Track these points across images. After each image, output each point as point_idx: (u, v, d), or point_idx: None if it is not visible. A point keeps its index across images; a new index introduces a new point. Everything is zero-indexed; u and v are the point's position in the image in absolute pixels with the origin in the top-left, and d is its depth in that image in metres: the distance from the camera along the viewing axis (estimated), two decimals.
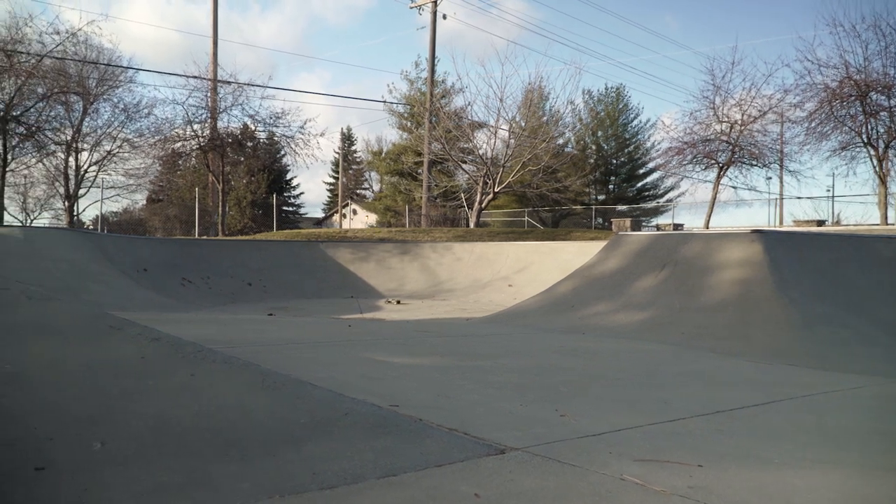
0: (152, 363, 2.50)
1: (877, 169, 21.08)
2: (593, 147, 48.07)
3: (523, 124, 34.67)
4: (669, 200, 45.41)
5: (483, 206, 28.44)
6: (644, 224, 37.17)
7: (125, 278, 12.43)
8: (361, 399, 2.91)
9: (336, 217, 56.44)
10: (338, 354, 4.79)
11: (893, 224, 21.46)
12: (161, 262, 14.72)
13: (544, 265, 16.54)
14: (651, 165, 45.11)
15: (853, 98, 20.40)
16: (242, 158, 31.26)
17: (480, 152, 29.40)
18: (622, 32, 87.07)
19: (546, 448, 2.56)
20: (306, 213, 60.16)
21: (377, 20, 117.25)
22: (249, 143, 29.40)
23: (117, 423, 2.10)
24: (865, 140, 20.86)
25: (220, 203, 26.84)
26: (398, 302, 14.24)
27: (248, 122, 27.46)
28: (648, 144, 47.07)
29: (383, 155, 50.43)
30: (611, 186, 49.16)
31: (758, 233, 8.19)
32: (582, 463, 2.38)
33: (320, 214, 65.39)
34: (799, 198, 48.56)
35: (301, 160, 27.91)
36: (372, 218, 51.81)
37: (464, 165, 32.56)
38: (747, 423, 3.27)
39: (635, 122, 48.73)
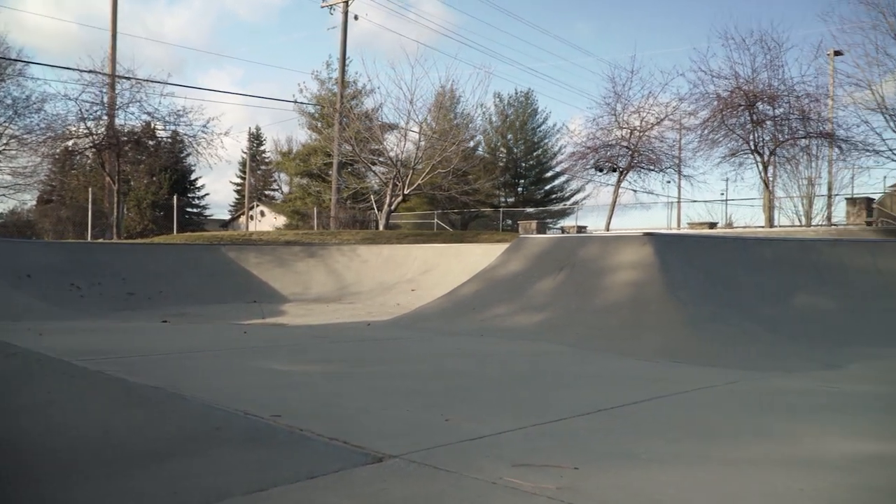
0: (5, 381, 2.34)
1: (762, 175, 22.39)
2: (503, 150, 48.91)
3: (434, 126, 34.87)
4: (575, 203, 46.77)
5: (393, 208, 28.39)
6: (550, 226, 38.07)
7: (2, 285, 11.66)
8: (239, 410, 2.83)
9: (243, 219, 54.98)
10: (226, 363, 4.66)
11: (777, 227, 22.85)
12: (47, 267, 13.89)
13: (451, 267, 16.63)
14: (558, 169, 46.30)
15: (742, 107, 21.59)
16: (143, 157, 29.97)
17: (391, 154, 29.36)
18: (533, 38, 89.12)
19: (425, 454, 2.56)
20: (212, 215, 58.31)
21: (290, 18, 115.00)
22: (151, 142, 28.21)
23: None
24: (752, 147, 22.11)
25: (116, 204, 25.63)
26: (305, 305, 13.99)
27: (148, 120, 26.36)
28: (556, 148, 48.31)
29: (292, 156, 49.54)
30: (520, 189, 50.12)
31: (649, 235, 8.52)
32: (458, 468, 2.39)
33: (227, 216, 63.58)
34: (694, 201, 50.98)
35: (204, 160, 27.00)
36: (280, 220, 50.77)
37: (374, 167, 32.41)
38: (625, 421, 3.39)
39: (543, 126, 49.95)
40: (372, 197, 32.36)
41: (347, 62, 39.21)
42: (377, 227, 29.61)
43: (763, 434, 3.22)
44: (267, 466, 2.26)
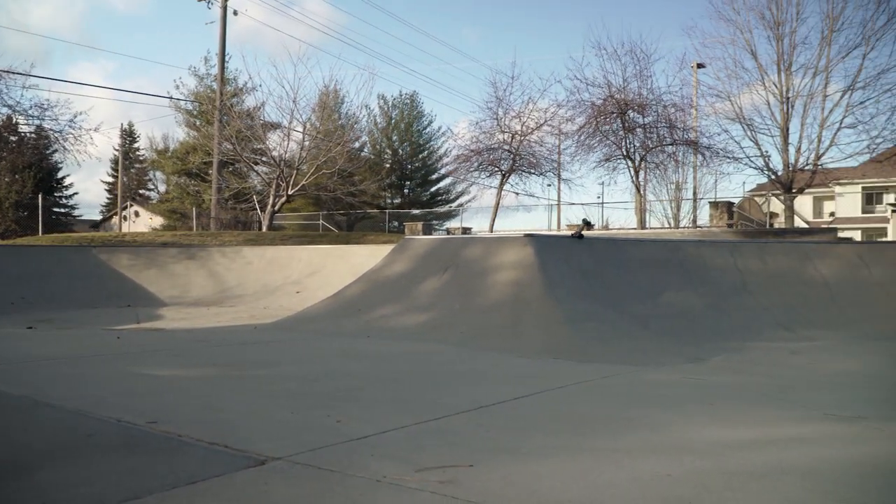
0: None
1: (633, 179, 23.68)
2: (389, 152, 48.95)
3: (318, 126, 34.36)
4: (461, 205, 47.50)
5: (276, 208, 27.76)
6: (436, 227, 38.47)
7: None
8: (112, 418, 2.71)
9: (116, 219, 51.99)
10: (98, 370, 4.42)
11: (648, 229, 24.18)
12: None
13: (337, 269, 16.47)
14: (443, 171, 46.86)
15: (615, 115, 22.72)
16: (4, 154, 27.72)
17: (274, 154, 28.69)
18: (417, 42, 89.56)
19: (310, 455, 2.55)
20: (81, 216, 54.81)
21: (167, 11, 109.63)
22: (13, 138, 26.15)
23: None
24: (624, 153, 23.33)
25: None
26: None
27: (8, 114, 24.42)
28: (441, 151, 48.87)
29: (169, 154, 47.36)
30: (406, 190, 50.32)
31: (529, 237, 8.81)
32: (342, 468, 2.40)
33: (98, 217, 59.91)
34: (572, 204, 53.23)
35: (72, 157, 25.36)
36: (157, 220, 48.40)
37: (256, 167, 31.56)
38: (506, 417, 3.50)
39: (429, 129, 50.41)
40: (255, 197, 31.48)
41: (227, 58, 38.02)
42: (260, 229, 28.84)
43: (634, 425, 3.43)
44: (143, 473, 2.19)
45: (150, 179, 64.88)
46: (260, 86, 49.23)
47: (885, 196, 43.45)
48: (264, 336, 7.48)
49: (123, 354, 5.40)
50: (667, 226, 32.00)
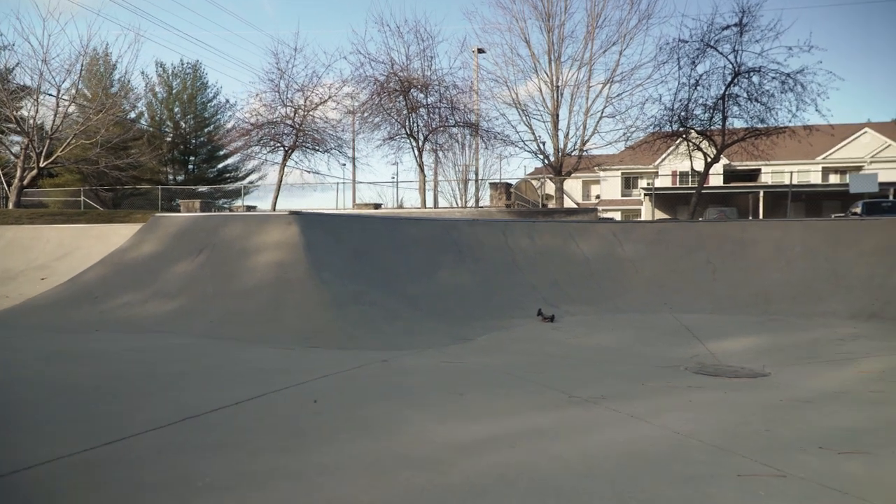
0: None
1: (417, 159, 23.79)
2: (170, 124, 45.24)
3: (84, 92, 30.66)
4: (251, 183, 45.27)
5: (25, 183, 24.29)
6: (223, 206, 36.22)
7: None
8: None
9: None
10: None
11: (437, 208, 24.47)
12: None
13: (93, 251, 14.59)
14: (226, 146, 44.36)
15: (398, 93, 22.60)
16: None
17: (23, 122, 25.05)
18: (193, 4, 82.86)
19: None
20: None
21: None
22: None
23: None
24: (408, 132, 23.33)
25: None
26: None
27: None
28: (229, 125, 46.08)
29: None
30: (190, 167, 46.91)
31: (295, 215, 8.19)
32: None
33: None
34: (361, 182, 53.00)
35: None
36: None
37: (4, 137, 27.44)
38: (211, 431, 2.91)
39: (214, 102, 47.29)
40: None
41: None
42: (7, 206, 25.15)
43: (364, 426, 3.00)
44: None
45: None
46: (11, 46, 43.06)
47: (639, 181, 48.26)
48: None
49: None
50: (455, 205, 32.78)
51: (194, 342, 5.70)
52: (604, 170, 34.56)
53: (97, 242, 15.34)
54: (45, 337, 5.92)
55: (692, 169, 20.13)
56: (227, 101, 49.02)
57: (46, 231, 15.94)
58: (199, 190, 41.70)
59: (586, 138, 25.67)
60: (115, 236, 15.38)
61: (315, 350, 5.62)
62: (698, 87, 18.83)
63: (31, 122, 24.35)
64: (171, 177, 45.45)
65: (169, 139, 43.81)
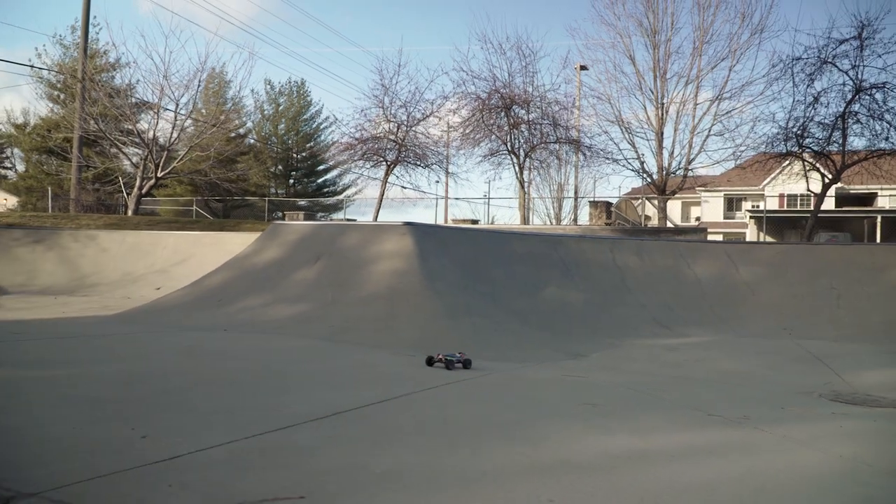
0: None
1: (518, 175, 23.75)
2: (275, 139, 47.14)
3: (200, 107, 32.38)
4: (347, 197, 46.45)
5: (144, 192, 25.80)
6: (320, 219, 37.30)
7: None
8: None
9: None
10: None
11: (533, 225, 24.35)
12: None
13: (207, 257, 15.34)
14: (329, 161, 45.71)
15: (500, 109, 22.69)
16: None
17: (143, 134, 26.67)
18: (301, 24, 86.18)
19: (83, 488, 1.91)
20: None
21: None
22: None
23: None
24: (509, 148, 23.36)
25: None
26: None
27: None
28: (329, 141, 47.57)
29: (29, 129, 43.36)
30: (292, 181, 48.64)
31: (409, 225, 8.31)
32: None
33: None
34: (458, 199, 53.46)
35: None
36: (13, 200, 44.19)
37: (125, 147, 29.29)
38: (365, 426, 2.97)
39: (317, 119, 48.96)
40: (120, 179, 29.19)
41: (97, 29, 35.24)
42: (126, 213, 26.79)
43: (508, 434, 2.98)
44: None
45: (7, 157, 59.42)
46: (132, 62, 45.90)
47: (743, 203, 46.43)
48: (100, 329, 6.56)
49: None
50: (549, 223, 32.52)
51: (318, 345, 5.85)
52: (706, 190, 33.47)
53: (211, 249, 16.09)
54: (175, 335, 6.22)
55: (808, 190, 19.16)
56: (334, 117, 50.59)
57: (165, 237, 16.86)
58: (299, 203, 43.12)
59: (692, 157, 24.98)
60: (227, 244, 16.10)
61: None
62: (815, 105, 17.97)
63: (151, 134, 25.86)
64: (273, 190, 47.20)
65: (273, 154, 45.57)
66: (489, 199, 51.00)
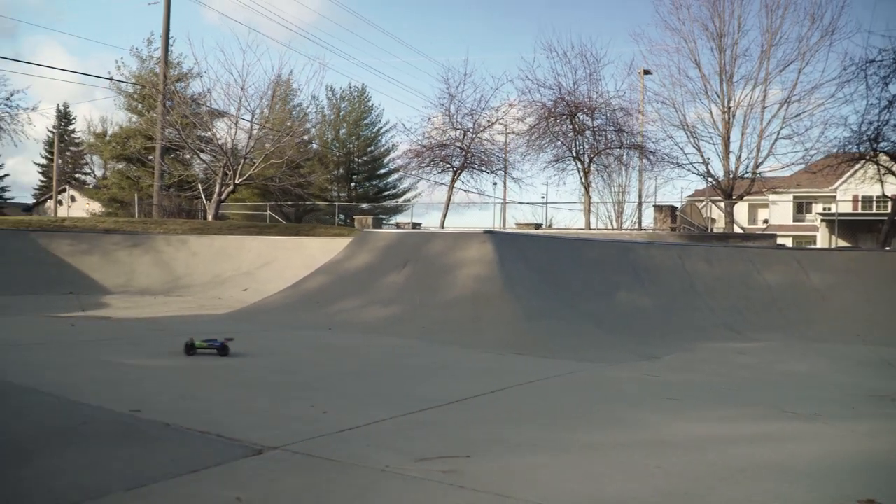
0: None
1: (583, 180, 24.13)
2: (336, 144, 48.55)
3: (268, 116, 33.71)
4: (408, 200, 47.43)
5: (223, 198, 27.18)
6: (384, 221, 38.34)
7: None
8: (95, 405, 2.65)
9: (50, 203, 50.05)
10: (65, 357, 4.29)
11: (594, 230, 24.65)
12: None
13: (289, 261, 16.25)
14: (392, 166, 46.81)
15: (565, 116, 23.14)
16: None
17: (220, 142, 28.08)
18: (367, 34, 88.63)
19: (305, 445, 2.55)
20: (13, 198, 52.77)
21: None
22: None
23: None
24: (574, 154, 23.78)
25: None
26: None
27: None
28: (389, 145, 48.74)
29: (108, 138, 45.85)
30: (353, 184, 49.98)
31: (489, 233, 8.89)
32: (342, 457, 2.41)
33: (31, 200, 57.63)
34: (521, 203, 53.93)
35: (8, 137, 24.29)
36: (95, 206, 46.79)
37: (202, 155, 30.83)
38: (486, 410, 3.55)
39: (377, 123, 50.20)
40: (200, 186, 30.74)
41: (172, 41, 36.97)
42: (205, 218, 28.22)
43: (609, 419, 3.52)
44: (142, 461, 2.15)
45: (86, 163, 62.71)
46: (206, 72, 48.02)
47: (814, 205, 45.41)
48: (221, 327, 7.35)
49: (84, 342, 5.24)
50: (610, 227, 32.68)
51: (415, 343, 6.49)
52: (775, 192, 33.02)
53: (291, 253, 17.00)
54: (289, 332, 6.95)
55: (883, 194, 18.95)
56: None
57: (248, 241, 17.87)
58: (362, 206, 44.26)
59: (760, 161, 24.86)
60: (306, 248, 17.00)
61: (521, 357, 6.21)
62: (891, 108, 17.79)
63: (229, 142, 27.20)
64: (335, 193, 48.56)
65: (335, 158, 46.92)
66: (546, 203, 51.32)
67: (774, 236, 20.15)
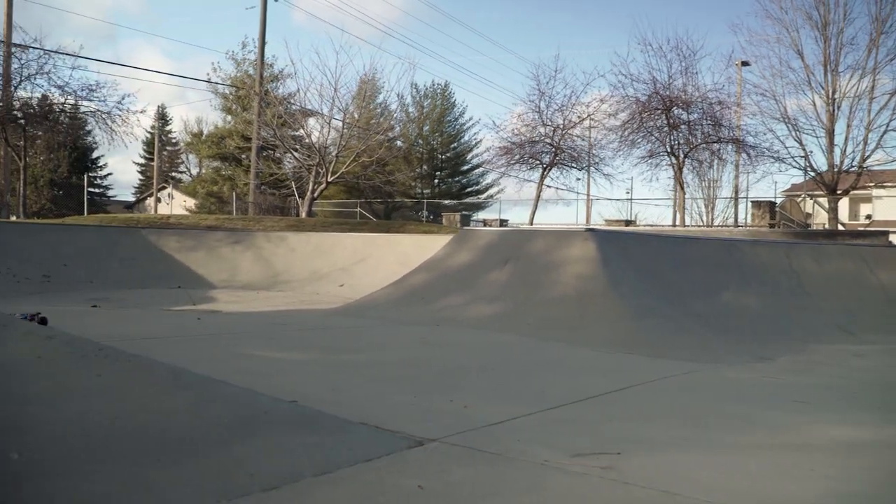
0: (51, 363, 2.28)
1: (677, 176, 23.54)
2: (420, 141, 49.11)
3: (357, 115, 34.46)
4: (491, 196, 47.48)
5: (315, 195, 28.00)
6: (471, 218, 38.58)
7: None
8: (272, 396, 2.85)
9: (150, 201, 52.81)
10: (205, 350, 4.59)
11: (690, 226, 24.05)
12: None
13: (383, 258, 16.61)
14: (475, 161, 46.98)
15: (659, 111, 22.66)
16: (40, 133, 28.19)
17: (313, 140, 28.92)
18: (455, 33, 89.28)
19: (461, 438, 2.66)
20: (115, 196, 55.90)
21: None
22: (50, 116, 26.58)
23: (31, 430, 1.90)
24: (668, 150, 23.24)
25: (22, 182, 24.10)
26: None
27: (57, 94, 24.84)
28: (473, 142, 48.92)
29: (204, 137, 47.97)
30: (436, 181, 50.44)
31: (591, 231, 8.86)
32: (501, 451, 2.51)
33: (130, 198, 60.94)
34: (610, 199, 53.09)
35: (119, 138, 25.75)
36: (191, 203, 49.09)
37: (295, 153, 31.86)
38: (618, 408, 3.59)
39: (461, 120, 50.46)
40: (293, 184, 31.76)
41: (266, 44, 38.26)
42: (298, 215, 29.14)
43: (748, 421, 3.49)
44: (325, 449, 2.31)
45: (182, 162, 65.77)
46: (297, 72, 49.51)
47: None
48: (333, 322, 7.64)
49: (215, 335, 5.57)
50: (700, 223, 31.74)
51: (524, 340, 6.56)
52: (883, 187, 31.27)
53: (384, 250, 17.36)
54: (401, 328, 7.15)
55: None
56: (471, 118, 51.68)
57: (343, 238, 18.36)
58: (446, 203, 44.59)
59: (867, 154, 23.62)
60: (398, 245, 17.31)
61: (631, 356, 6.18)
62: None
63: (322, 141, 27.96)
64: (419, 190, 49.11)
65: (419, 155, 47.45)
66: (631, 199, 50.22)
67: (886, 233, 19.11)
